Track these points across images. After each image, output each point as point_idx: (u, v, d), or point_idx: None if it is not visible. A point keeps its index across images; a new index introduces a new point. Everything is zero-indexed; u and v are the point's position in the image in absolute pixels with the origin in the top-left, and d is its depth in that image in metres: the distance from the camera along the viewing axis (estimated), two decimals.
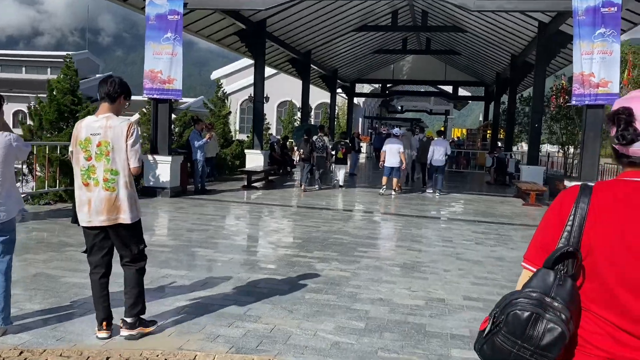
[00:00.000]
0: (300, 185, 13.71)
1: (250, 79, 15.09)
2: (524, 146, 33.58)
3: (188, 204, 10.12)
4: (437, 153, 13.49)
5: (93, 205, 3.50)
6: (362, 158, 26.42)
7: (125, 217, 3.53)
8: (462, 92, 30.93)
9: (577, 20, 8.59)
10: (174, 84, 10.89)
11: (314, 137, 14.01)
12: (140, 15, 12.13)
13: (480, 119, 36.90)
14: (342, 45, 21.06)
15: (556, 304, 1.21)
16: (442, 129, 27.85)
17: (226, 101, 19.90)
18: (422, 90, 32.27)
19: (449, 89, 29.39)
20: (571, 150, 21.57)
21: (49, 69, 39.57)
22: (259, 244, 7.08)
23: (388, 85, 30.26)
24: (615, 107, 1.35)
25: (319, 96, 31.61)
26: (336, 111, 29.02)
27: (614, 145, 1.34)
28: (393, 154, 12.79)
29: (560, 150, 22.37)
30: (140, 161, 3.59)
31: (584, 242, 1.26)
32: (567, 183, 10.14)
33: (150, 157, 11.13)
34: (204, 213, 9.17)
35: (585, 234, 1.26)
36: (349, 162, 15.16)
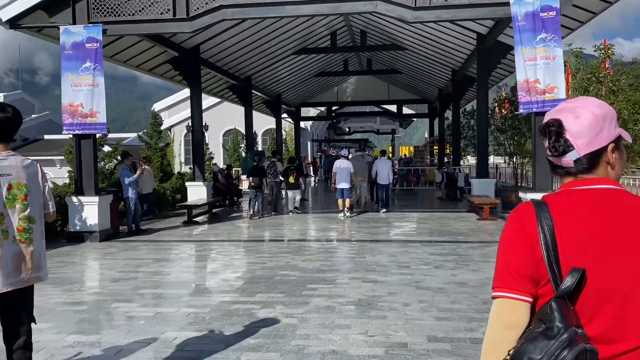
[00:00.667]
0: (250, 216, 12.99)
1: None
2: (470, 159, 33.96)
3: (118, 248, 9.07)
4: (382, 172, 13.58)
5: (4, 265, 2.74)
6: (312, 182, 25.82)
7: (42, 275, 2.94)
8: (406, 110, 31.11)
9: (517, 27, 8.33)
10: (97, 117, 9.91)
11: (266, 163, 13.59)
12: None
13: (426, 135, 37.21)
14: (283, 69, 20.56)
15: (580, 331, 1.16)
16: (390, 148, 27.75)
17: (169, 133, 18.91)
18: (367, 110, 32.28)
19: (393, 108, 29.48)
20: (519, 160, 21.68)
21: None
22: (193, 291, 6.17)
23: (334, 108, 30.03)
24: (545, 119, 1.33)
25: (265, 122, 30.88)
26: (283, 136, 28.37)
27: (548, 158, 1.32)
28: (343, 175, 12.75)
29: (510, 161, 22.46)
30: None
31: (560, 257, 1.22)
32: (521, 194, 9.81)
33: (75, 198, 10.03)
34: (134, 257, 8.18)
35: (560, 250, 1.22)
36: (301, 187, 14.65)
